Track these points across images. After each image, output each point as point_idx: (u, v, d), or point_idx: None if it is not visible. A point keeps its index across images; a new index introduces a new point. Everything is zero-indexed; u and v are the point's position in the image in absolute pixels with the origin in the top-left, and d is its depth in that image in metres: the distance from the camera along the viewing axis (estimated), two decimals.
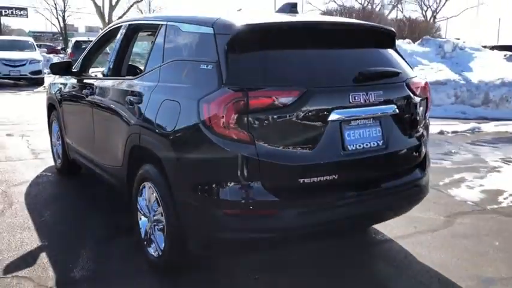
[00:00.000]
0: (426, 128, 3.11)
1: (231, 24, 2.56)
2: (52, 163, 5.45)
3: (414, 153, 2.95)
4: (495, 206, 4.36)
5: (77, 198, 4.50)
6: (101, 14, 33.94)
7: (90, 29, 59.23)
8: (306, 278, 2.98)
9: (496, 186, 4.98)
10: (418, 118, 2.97)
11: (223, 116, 2.32)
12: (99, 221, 3.85)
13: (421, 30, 15.47)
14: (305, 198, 2.47)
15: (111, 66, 3.74)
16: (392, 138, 2.76)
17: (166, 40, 3.06)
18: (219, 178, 2.42)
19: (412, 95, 2.88)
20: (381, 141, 2.70)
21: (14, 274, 2.95)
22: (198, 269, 3.02)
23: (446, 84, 10.59)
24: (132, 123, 3.08)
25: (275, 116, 2.38)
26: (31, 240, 3.46)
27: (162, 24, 3.18)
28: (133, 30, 3.68)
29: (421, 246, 3.46)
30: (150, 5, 56.04)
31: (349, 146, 2.57)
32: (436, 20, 47.50)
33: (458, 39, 15.49)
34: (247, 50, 2.48)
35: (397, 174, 2.87)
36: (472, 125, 8.61)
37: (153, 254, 2.97)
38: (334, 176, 2.52)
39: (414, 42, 12.84)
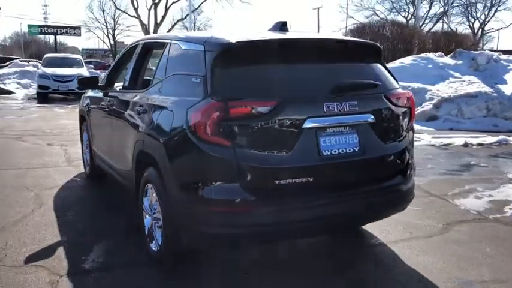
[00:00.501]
0: (410, 136, 3.28)
1: (218, 42, 2.87)
2: (83, 170, 5.92)
3: (394, 160, 3.13)
4: (498, 215, 4.40)
5: (99, 200, 4.91)
6: (146, 32, 35.38)
7: None
8: (291, 274, 3.20)
9: (505, 197, 5.00)
10: (398, 127, 3.15)
11: (206, 123, 2.62)
12: (115, 220, 4.21)
13: (458, 42, 15.29)
14: (281, 198, 2.71)
15: (128, 80, 4.14)
16: (369, 145, 2.96)
17: (169, 56, 3.41)
18: (203, 178, 2.71)
19: (391, 105, 3.08)
20: (357, 148, 2.90)
21: (33, 263, 3.34)
22: (193, 264, 3.30)
23: (477, 96, 10.47)
24: (138, 131, 3.43)
25: (253, 124, 2.64)
26: (52, 235, 3.86)
27: (167, 43, 3.54)
28: (148, 48, 4.07)
29: (411, 250, 3.60)
30: (195, 23, 57.93)
31: (324, 152, 2.79)
32: (484, 32, 46.24)
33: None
34: (231, 65, 2.78)
35: (375, 179, 3.05)
36: (500, 137, 8.49)
37: (154, 249, 3.29)
38: (309, 179, 2.76)
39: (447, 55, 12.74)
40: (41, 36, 53.82)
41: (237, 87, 2.72)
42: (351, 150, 2.88)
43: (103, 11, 55.39)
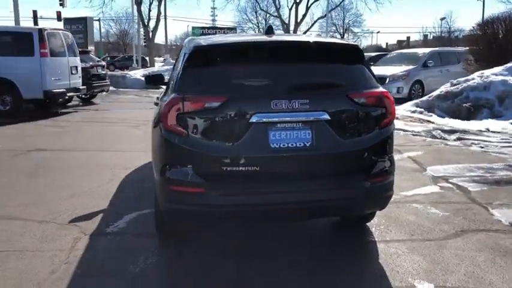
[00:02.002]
0: (382, 135, 3.29)
1: (192, 46, 3.33)
2: None
3: (355, 157, 3.21)
4: None
5: None
6: (287, 31, 36.64)
7: None
8: (270, 253, 3.52)
9: None
10: (363, 126, 3.22)
11: (168, 115, 3.10)
12: None
13: None
14: (228, 183, 3.07)
15: (169, 77, 4.81)
16: (324, 142, 3.11)
17: (180, 58, 3.96)
18: (167, 162, 3.20)
19: (354, 104, 3.17)
20: (309, 143, 3.09)
21: (73, 223, 4.21)
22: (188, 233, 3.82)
23: None
24: None
25: (205, 116, 3.05)
26: (102, 204, 4.71)
27: (184, 45, 4.09)
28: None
29: (396, 250, 3.59)
30: (344, 19, 57.66)
31: (272, 144, 3.05)
32: None
33: None
34: (197, 65, 3.22)
35: (330, 174, 3.17)
36: None
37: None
38: (256, 168, 3.05)
39: None
40: None
41: (198, 84, 3.14)
42: (302, 144, 3.08)
43: (256, 12, 58.25)
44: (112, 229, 4.09)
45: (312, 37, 3.55)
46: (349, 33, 65.12)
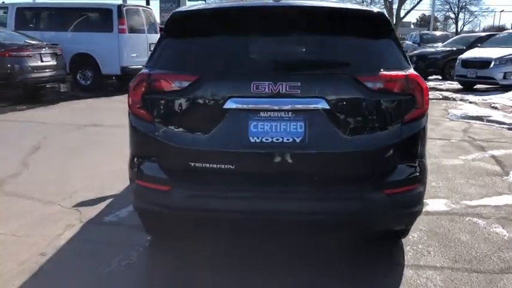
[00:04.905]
0: (405, 134, 2.46)
1: (171, 13, 2.75)
2: None
3: (364, 161, 2.43)
4: None
5: None
6: (389, 9, 34.19)
7: None
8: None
9: None
10: (377, 119, 2.41)
11: (133, 96, 2.58)
12: None
13: None
14: (196, 183, 2.48)
15: None
16: (321, 138, 2.38)
17: None
18: (135, 152, 2.69)
19: (366, 90, 2.38)
20: (300, 138, 2.38)
21: (76, 208, 3.92)
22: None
23: None
24: None
25: (173, 99, 2.48)
26: (118, 188, 4.35)
27: None
28: None
29: (426, 281, 2.77)
30: None
31: (251, 138, 2.40)
32: None
33: None
34: (174, 36, 2.65)
35: (324, 179, 2.43)
36: None
37: None
38: (230, 166, 2.43)
39: None
40: None
41: (171, 59, 2.57)
42: (291, 140, 2.39)
43: None
44: (110, 218, 3.73)
45: (322, 2, 2.75)
46: (465, 12, 59.75)
